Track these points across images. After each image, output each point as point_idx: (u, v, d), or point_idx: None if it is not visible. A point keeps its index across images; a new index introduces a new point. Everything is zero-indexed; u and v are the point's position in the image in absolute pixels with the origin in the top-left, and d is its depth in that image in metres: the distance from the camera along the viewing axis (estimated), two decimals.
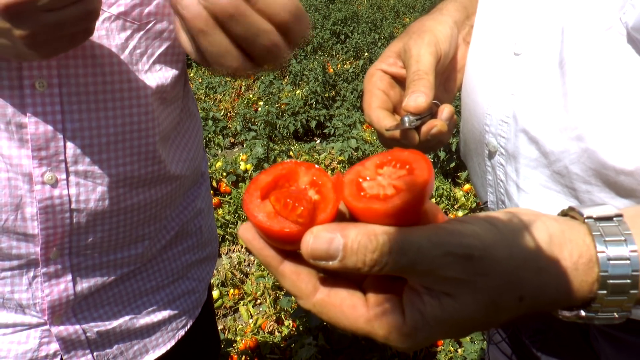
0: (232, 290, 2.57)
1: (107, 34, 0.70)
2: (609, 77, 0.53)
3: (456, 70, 0.75)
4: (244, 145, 3.97)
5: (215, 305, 2.46)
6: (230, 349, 2.09)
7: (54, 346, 0.84)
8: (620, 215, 0.40)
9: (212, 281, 2.60)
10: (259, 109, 4.42)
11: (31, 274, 0.79)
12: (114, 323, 0.89)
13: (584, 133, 0.55)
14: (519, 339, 0.88)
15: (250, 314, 2.42)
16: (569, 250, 0.39)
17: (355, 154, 3.75)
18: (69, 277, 0.81)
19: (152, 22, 0.74)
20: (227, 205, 3.16)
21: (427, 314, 0.38)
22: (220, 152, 4.02)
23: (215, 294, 2.51)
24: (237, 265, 2.76)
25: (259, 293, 2.52)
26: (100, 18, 0.69)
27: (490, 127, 0.66)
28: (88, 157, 0.74)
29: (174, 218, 0.94)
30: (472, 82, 0.70)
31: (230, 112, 4.57)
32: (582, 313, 0.40)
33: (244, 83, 5.19)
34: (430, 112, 0.67)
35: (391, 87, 0.71)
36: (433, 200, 3.21)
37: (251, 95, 4.86)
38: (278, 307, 2.34)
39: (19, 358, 0.82)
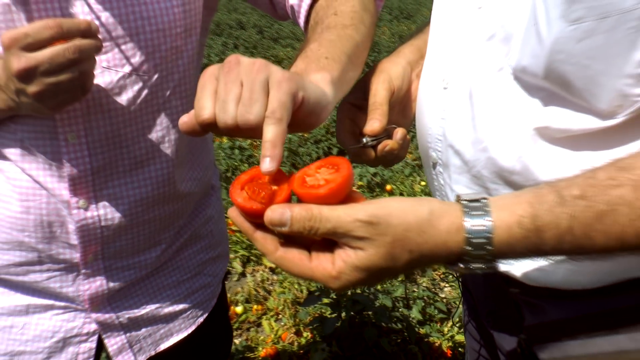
0: (255, 306, 2.75)
1: (120, 90, 0.89)
2: (501, 105, 0.72)
3: (411, 100, 0.94)
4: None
5: (240, 319, 2.65)
6: (252, 354, 2.27)
7: (94, 326, 1.04)
8: (485, 198, 0.59)
9: (237, 297, 2.79)
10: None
11: (74, 273, 0.99)
12: (142, 311, 1.09)
13: (487, 145, 0.74)
14: (480, 321, 1.05)
15: (272, 328, 2.59)
16: (445, 220, 0.57)
17: (375, 179, 3.93)
18: (103, 276, 1.01)
19: (160, 71, 0.93)
20: None
21: (348, 262, 0.56)
22: None
23: (239, 309, 2.70)
24: (260, 283, 2.95)
25: (280, 308, 2.70)
26: (115, 77, 0.88)
27: (431, 144, 0.85)
28: (111, 186, 0.94)
29: (186, 225, 1.13)
30: (420, 109, 0.89)
31: (255, 141, 4.82)
32: (460, 265, 0.59)
33: None
34: (387, 134, 0.86)
35: (356, 115, 0.90)
36: None
37: None
38: (297, 319, 2.52)
39: (67, 332, 1.03)
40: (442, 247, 0.57)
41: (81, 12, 0.82)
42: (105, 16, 0.83)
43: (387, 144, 0.83)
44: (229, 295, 2.83)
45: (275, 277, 3.04)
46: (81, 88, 0.79)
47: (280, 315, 2.68)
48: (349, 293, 2.18)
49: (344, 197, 0.59)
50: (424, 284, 2.77)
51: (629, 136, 0.65)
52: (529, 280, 0.77)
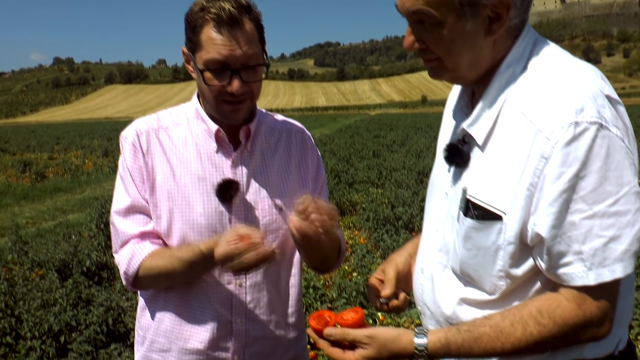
0: None
1: None
2: (446, 284, 1.33)
3: (411, 276, 1.58)
4: (338, 310, 4.78)
5: None
6: None
7: None
8: (427, 330, 1.22)
9: None
10: (353, 278, 5.28)
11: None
12: None
13: (440, 304, 1.35)
14: None
15: None
16: (405, 338, 1.20)
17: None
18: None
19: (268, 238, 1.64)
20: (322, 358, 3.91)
21: (360, 355, 1.23)
22: None
23: None
24: None
25: None
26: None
27: (417, 301, 1.49)
28: (253, 311, 1.62)
29: (291, 347, 1.76)
30: (413, 282, 1.54)
31: (328, 282, 5.47)
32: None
33: None
34: (395, 296, 1.51)
35: (379, 284, 1.55)
36: None
37: (346, 267, 5.77)
38: None
39: None
40: (403, 350, 1.21)
41: (249, 219, 1.58)
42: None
43: (394, 303, 1.48)
44: None
45: None
46: (256, 267, 1.49)
47: None
48: None
49: (360, 325, 1.27)
50: None
51: (505, 303, 1.25)
52: None
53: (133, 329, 4.24)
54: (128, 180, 1.59)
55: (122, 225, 1.59)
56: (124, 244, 1.60)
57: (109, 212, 6.46)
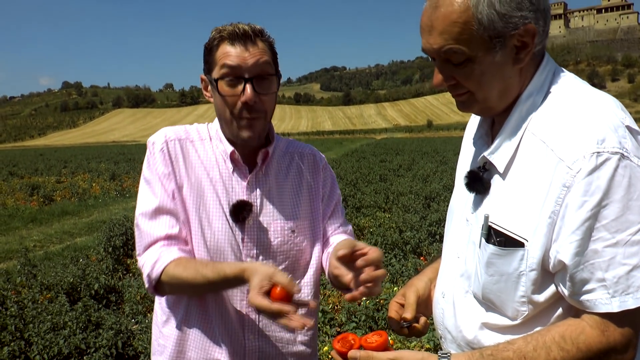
0: None
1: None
2: (467, 308, 1.34)
3: (431, 301, 1.59)
4: None
5: None
6: None
7: None
8: (450, 353, 1.22)
9: None
10: (362, 303, 5.25)
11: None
12: None
13: (462, 329, 1.35)
14: None
15: None
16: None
17: None
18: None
19: (294, 271, 1.66)
20: None
21: None
22: (327, 339, 4.82)
23: None
24: None
25: None
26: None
27: (437, 325, 1.48)
28: (265, 331, 1.63)
29: None
30: (433, 306, 1.54)
31: (337, 306, 5.44)
32: None
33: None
34: (416, 320, 1.51)
35: (400, 308, 1.55)
36: None
37: None
38: None
39: None
40: None
41: (261, 240, 1.61)
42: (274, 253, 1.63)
43: (415, 327, 1.48)
44: None
45: None
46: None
47: None
48: None
49: (384, 348, 1.27)
50: None
51: (527, 328, 1.26)
52: None
53: (143, 352, 4.26)
54: (156, 184, 1.60)
55: (147, 227, 1.58)
56: (149, 246, 1.58)
57: (116, 235, 6.48)
